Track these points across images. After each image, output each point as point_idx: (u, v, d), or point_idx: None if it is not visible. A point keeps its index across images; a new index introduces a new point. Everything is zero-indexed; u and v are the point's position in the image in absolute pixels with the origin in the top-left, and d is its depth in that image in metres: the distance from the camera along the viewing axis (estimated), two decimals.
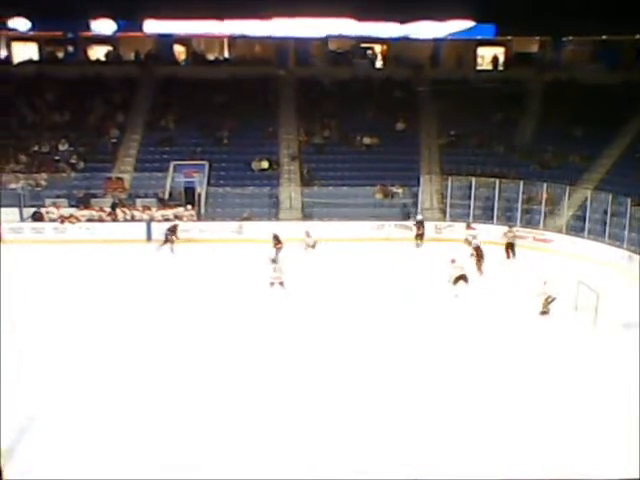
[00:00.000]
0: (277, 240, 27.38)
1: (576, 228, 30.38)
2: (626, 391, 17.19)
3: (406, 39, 40.54)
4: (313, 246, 28.78)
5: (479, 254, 26.47)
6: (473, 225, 30.43)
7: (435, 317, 22.17)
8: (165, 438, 14.70)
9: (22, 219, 31.96)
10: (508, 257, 28.52)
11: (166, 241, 29.45)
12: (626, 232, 28.54)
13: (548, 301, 22.65)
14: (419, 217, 31.66)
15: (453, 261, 24.33)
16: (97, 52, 42.93)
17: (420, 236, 30.89)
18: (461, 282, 23.82)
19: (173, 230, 29.72)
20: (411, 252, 30.07)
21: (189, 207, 32.91)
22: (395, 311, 22.52)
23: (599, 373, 18.39)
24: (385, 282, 25.46)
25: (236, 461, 13.91)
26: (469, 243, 28.19)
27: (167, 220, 31.86)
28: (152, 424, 15.27)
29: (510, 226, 29.74)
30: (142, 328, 20.78)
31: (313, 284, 24.90)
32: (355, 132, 37.25)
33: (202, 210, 33.51)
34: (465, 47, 42.41)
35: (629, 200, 28.83)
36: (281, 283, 23.27)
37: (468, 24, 39.44)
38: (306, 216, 33.31)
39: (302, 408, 16.08)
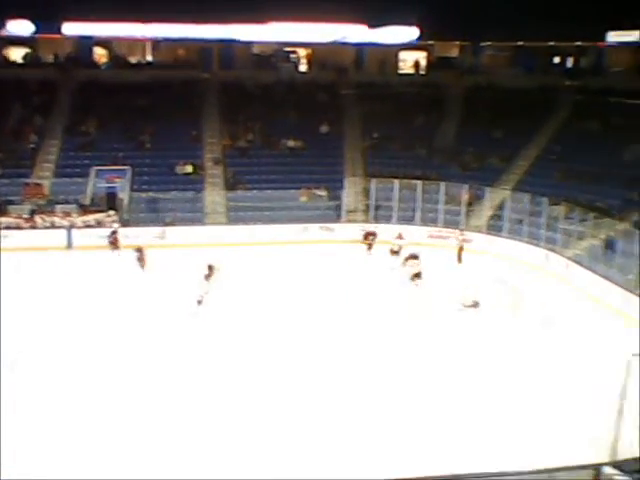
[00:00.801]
0: (210, 270, 24.81)
1: (495, 228, 31.12)
2: (544, 385, 17.77)
3: (330, 43, 40.85)
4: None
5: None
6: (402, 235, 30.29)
7: (368, 317, 22.44)
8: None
9: None
10: (459, 261, 28.90)
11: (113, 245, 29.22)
12: (543, 231, 29.41)
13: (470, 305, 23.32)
14: (371, 228, 31.51)
15: (414, 257, 25.32)
16: (15, 54, 41.81)
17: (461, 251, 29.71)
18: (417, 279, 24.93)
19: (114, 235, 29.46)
20: (337, 254, 30.19)
21: (111, 213, 32.35)
22: (333, 312, 22.78)
23: (518, 368, 18.90)
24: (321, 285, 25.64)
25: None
26: (396, 253, 28.45)
27: (88, 226, 31.31)
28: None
29: (461, 230, 30.21)
30: (62, 337, 20.38)
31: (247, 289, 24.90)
32: (279, 135, 37.28)
33: (125, 215, 32.95)
34: (388, 51, 42.94)
35: (546, 200, 29.70)
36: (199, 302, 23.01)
37: (392, 29, 40.02)
38: (231, 220, 33.14)
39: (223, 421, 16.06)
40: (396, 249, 28.59)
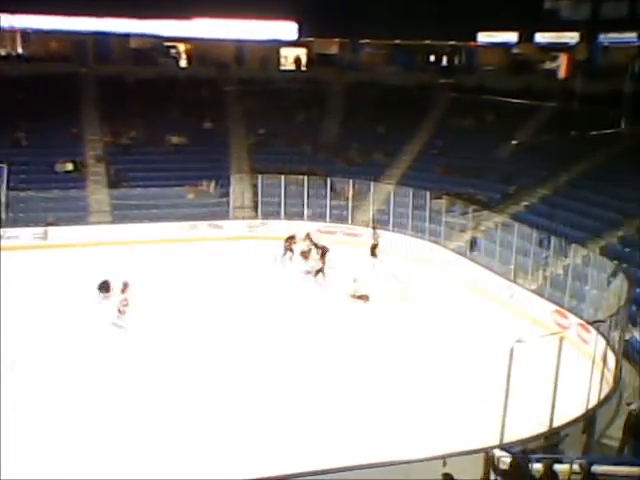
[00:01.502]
0: (106, 288, 23.41)
1: (382, 222, 31.88)
2: (431, 373, 18.48)
3: (209, 39, 40.61)
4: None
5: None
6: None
7: (260, 312, 22.60)
8: None
9: None
10: (373, 257, 28.83)
11: None
12: (427, 224, 30.42)
13: (358, 297, 23.96)
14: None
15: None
16: None
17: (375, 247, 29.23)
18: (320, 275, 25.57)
19: None
20: (225, 252, 30.04)
21: None
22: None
23: (407, 357, 19.58)
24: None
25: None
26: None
27: None
28: None
29: (374, 227, 30.28)
30: None
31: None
32: (162, 132, 36.69)
33: (2, 215, 31.47)
34: (269, 47, 43.10)
35: (428, 193, 30.73)
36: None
37: (271, 24, 40.25)
38: (116, 219, 32.35)
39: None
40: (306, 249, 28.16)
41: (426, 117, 37.68)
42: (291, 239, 28.61)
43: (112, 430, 15.33)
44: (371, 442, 15.03)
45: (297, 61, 44.30)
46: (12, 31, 40.94)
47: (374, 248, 29.00)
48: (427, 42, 43.34)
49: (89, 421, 15.72)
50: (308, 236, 28.62)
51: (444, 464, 12.52)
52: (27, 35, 41.54)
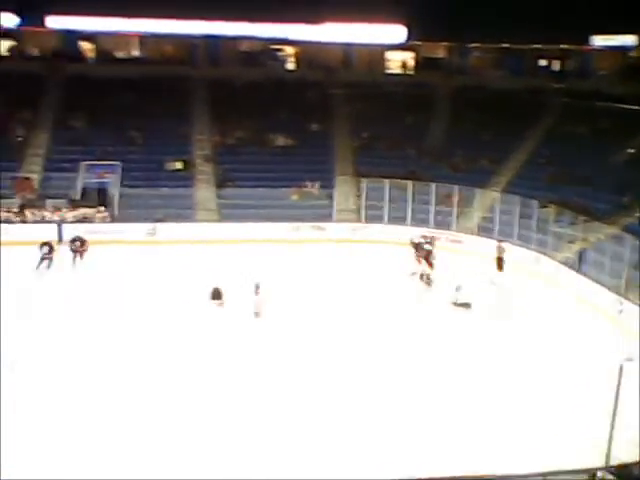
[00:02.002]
0: (218, 296, 23.13)
1: (486, 229, 31.38)
2: (536, 389, 17.98)
3: (317, 42, 40.90)
4: None
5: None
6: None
7: (361, 316, 22.56)
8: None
9: None
10: (498, 270, 28.30)
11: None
12: (533, 233, 29.72)
13: (460, 305, 23.62)
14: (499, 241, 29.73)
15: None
16: (1, 47, 41.28)
17: (500, 261, 28.71)
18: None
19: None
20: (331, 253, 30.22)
21: (101, 209, 32.18)
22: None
23: (510, 371, 19.08)
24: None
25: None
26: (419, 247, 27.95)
27: (79, 221, 31.15)
28: None
29: (500, 241, 29.45)
30: (58, 334, 20.23)
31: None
32: (269, 133, 37.30)
33: (115, 211, 32.78)
34: (375, 51, 43.04)
35: (536, 202, 30.02)
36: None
37: (380, 28, 40.12)
38: (222, 217, 33.09)
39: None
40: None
41: (535, 123, 36.72)
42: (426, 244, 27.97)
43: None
44: (470, 454, 14.77)
45: (404, 65, 44.06)
46: (129, 35, 42.41)
47: (499, 262, 28.36)
48: (537, 46, 42.26)
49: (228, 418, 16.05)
50: (432, 240, 28.28)
51: None
52: (144, 38, 42.92)
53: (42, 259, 26.33)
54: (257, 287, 22.37)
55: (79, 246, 26.96)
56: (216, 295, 22.92)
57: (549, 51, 43.67)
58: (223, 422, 15.75)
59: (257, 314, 22.04)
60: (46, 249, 26.44)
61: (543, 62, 44.35)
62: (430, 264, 26.75)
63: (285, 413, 16.28)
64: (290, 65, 44.52)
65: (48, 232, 29.56)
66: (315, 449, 14.84)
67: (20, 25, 38.37)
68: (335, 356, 19.46)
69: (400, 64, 44.19)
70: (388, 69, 44.49)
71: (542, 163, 33.88)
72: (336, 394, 17.22)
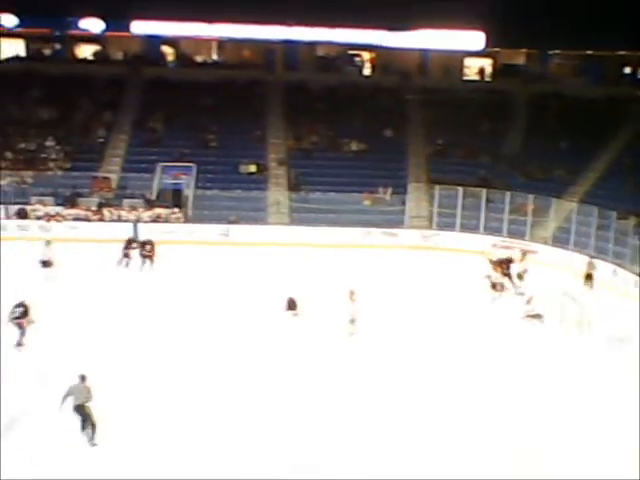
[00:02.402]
0: (293, 306, 22.00)
1: (561, 240, 30.67)
2: (612, 403, 17.40)
3: (394, 48, 40.77)
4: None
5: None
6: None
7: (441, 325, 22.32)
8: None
9: (7, 216, 31.61)
10: (588, 286, 26.95)
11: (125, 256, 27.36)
12: (611, 245, 28.86)
13: (532, 317, 23.04)
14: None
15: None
16: (84, 51, 42.66)
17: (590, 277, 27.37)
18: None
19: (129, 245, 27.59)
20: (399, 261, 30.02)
21: (176, 209, 32.83)
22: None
23: (585, 386, 18.51)
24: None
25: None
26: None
27: (154, 221, 31.86)
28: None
29: (591, 257, 28.27)
30: (128, 333, 20.52)
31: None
32: (343, 138, 37.39)
33: (189, 212, 33.40)
34: (452, 57, 42.64)
35: (614, 214, 29.15)
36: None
37: (458, 34, 39.76)
38: (294, 221, 33.33)
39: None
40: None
41: (615, 132, 35.63)
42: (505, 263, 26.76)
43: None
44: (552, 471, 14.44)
45: (481, 71, 43.51)
46: (210, 39, 43.21)
47: (589, 278, 27.22)
48: (621, 53, 41.12)
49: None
50: (524, 254, 27.49)
51: None
52: (222, 43, 43.65)
53: (124, 256, 27.01)
54: (352, 294, 21.24)
55: (149, 250, 27.04)
56: (291, 305, 21.81)
57: (634, 58, 42.39)
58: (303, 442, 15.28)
59: (352, 321, 21.00)
60: (129, 247, 27.14)
61: (627, 69, 43.08)
62: (506, 274, 26.04)
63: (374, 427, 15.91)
64: (366, 70, 44.53)
65: (124, 231, 30.39)
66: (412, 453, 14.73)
67: (105, 31, 39.62)
68: (407, 364, 19.20)
69: (477, 70, 43.62)
70: (465, 75, 43.99)
71: (622, 173, 32.83)
72: (406, 401, 17.00)
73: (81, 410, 14.43)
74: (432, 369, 18.97)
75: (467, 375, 18.68)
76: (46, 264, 24.87)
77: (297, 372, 18.26)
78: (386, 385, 17.84)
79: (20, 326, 18.83)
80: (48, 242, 26.00)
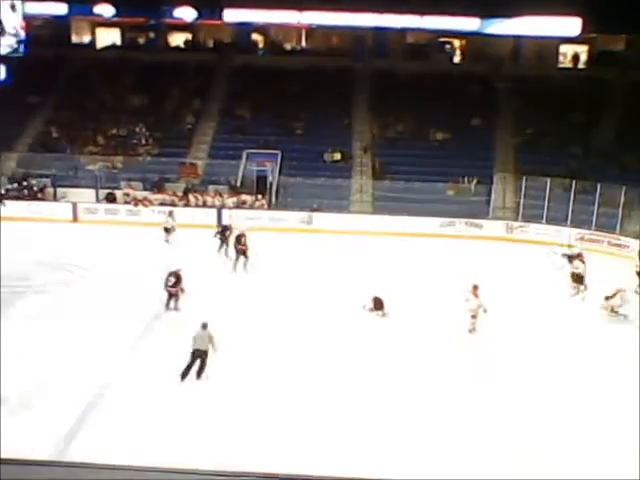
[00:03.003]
0: (380, 306, 21.41)
1: None
2: None
3: (486, 34, 39.82)
4: None
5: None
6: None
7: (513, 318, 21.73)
8: None
9: (98, 200, 32.77)
10: None
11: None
12: None
13: (613, 311, 22.06)
14: None
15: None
16: (177, 39, 43.59)
17: None
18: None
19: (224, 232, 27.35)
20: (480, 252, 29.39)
21: (259, 196, 33.19)
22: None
23: None
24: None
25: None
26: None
27: (238, 207, 32.30)
28: None
29: None
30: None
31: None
32: (429, 127, 36.88)
33: (273, 199, 33.73)
34: (546, 43, 41.33)
35: None
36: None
37: (553, 20, 38.49)
38: (377, 209, 33.17)
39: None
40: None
41: None
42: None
43: None
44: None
45: (575, 58, 41.99)
46: (299, 27, 43.34)
47: None
48: None
49: None
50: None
51: None
52: (311, 30, 43.71)
53: (221, 243, 26.82)
54: (475, 288, 20.31)
55: (228, 235, 26.88)
56: (378, 305, 21.13)
57: None
58: None
59: (474, 317, 20.19)
60: (223, 233, 27.02)
61: None
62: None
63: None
64: (456, 58, 43.74)
65: (209, 216, 31.01)
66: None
67: (197, 19, 40.31)
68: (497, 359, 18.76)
69: (572, 57, 42.10)
70: (559, 63, 42.58)
71: None
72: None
73: (198, 354, 16.30)
74: (517, 364, 18.51)
75: (547, 372, 18.15)
76: (168, 230, 28.48)
77: (390, 370, 17.82)
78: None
79: (172, 294, 20.65)
80: (170, 212, 29.21)
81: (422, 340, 19.64)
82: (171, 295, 20.74)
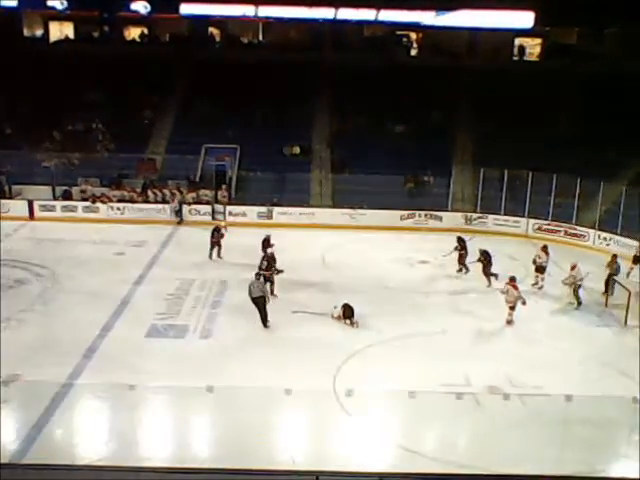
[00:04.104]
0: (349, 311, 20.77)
1: (609, 224, 29.90)
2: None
3: (442, 28, 40.09)
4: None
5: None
6: None
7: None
8: None
9: (54, 197, 32.28)
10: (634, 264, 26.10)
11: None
12: None
13: (576, 288, 22.43)
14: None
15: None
16: (133, 33, 43.10)
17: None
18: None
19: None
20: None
21: (219, 191, 33.01)
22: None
23: (627, 369, 18.04)
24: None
25: None
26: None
27: (198, 202, 32.11)
28: None
29: None
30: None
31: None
32: (388, 120, 37.01)
33: (232, 193, 33.57)
34: (502, 37, 41.71)
35: None
36: None
37: (506, 13, 38.92)
38: (336, 203, 33.22)
39: None
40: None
41: None
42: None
43: None
44: None
45: (531, 51, 42.50)
46: (256, 20, 43.13)
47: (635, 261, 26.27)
48: None
49: None
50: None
51: None
52: (269, 24, 43.55)
53: (212, 245, 26.27)
54: (513, 280, 20.85)
55: (219, 237, 26.38)
56: (347, 312, 20.48)
57: None
58: None
59: (512, 308, 20.59)
60: (216, 234, 26.37)
61: None
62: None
63: None
64: (414, 51, 43.96)
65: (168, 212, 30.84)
66: None
67: (153, 12, 39.80)
68: None
69: (527, 51, 42.63)
70: (515, 56, 43.06)
71: None
72: None
73: (256, 301, 19.57)
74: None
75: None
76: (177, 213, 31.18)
77: None
78: None
79: (266, 278, 21.45)
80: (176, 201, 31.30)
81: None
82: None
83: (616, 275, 23.78)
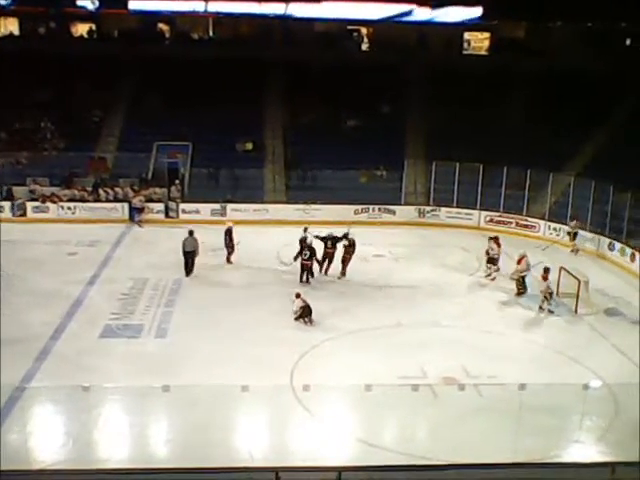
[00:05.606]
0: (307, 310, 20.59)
1: (559, 215, 30.46)
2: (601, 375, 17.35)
3: (392, 22, 40.27)
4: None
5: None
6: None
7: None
8: None
9: (2, 197, 31.62)
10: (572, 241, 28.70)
11: None
12: (608, 220, 28.61)
13: (521, 281, 23.01)
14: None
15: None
16: (80, 29, 42.33)
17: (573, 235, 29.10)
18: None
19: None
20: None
21: (172, 188, 32.71)
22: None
23: (579, 357, 18.49)
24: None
25: None
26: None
27: (150, 200, 31.80)
28: None
29: (573, 217, 29.26)
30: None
31: None
32: (340, 115, 37.10)
33: (185, 191, 33.30)
34: (452, 31, 42.08)
35: (611, 187, 28.84)
36: None
37: (454, 8, 39.29)
38: (290, 199, 33.20)
39: None
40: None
41: (616, 106, 35.18)
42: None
43: None
44: None
45: (479, 45, 42.95)
46: (206, 16, 42.77)
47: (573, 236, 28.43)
48: (623, 24, 40.46)
49: None
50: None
51: None
52: (219, 20, 43.24)
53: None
54: (546, 271, 21.96)
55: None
56: (306, 312, 20.23)
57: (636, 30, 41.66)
58: None
59: (545, 299, 21.77)
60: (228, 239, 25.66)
61: (628, 42, 42.50)
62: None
63: None
64: (364, 46, 44.08)
65: (119, 211, 30.47)
66: None
67: (101, 8, 39.18)
68: None
69: (476, 45, 43.08)
70: (465, 50, 43.48)
71: (622, 145, 32.41)
72: None
73: (187, 255, 23.32)
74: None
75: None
76: (140, 210, 31.20)
77: None
78: None
79: (305, 267, 23.33)
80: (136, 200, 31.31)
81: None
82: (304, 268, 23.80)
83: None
